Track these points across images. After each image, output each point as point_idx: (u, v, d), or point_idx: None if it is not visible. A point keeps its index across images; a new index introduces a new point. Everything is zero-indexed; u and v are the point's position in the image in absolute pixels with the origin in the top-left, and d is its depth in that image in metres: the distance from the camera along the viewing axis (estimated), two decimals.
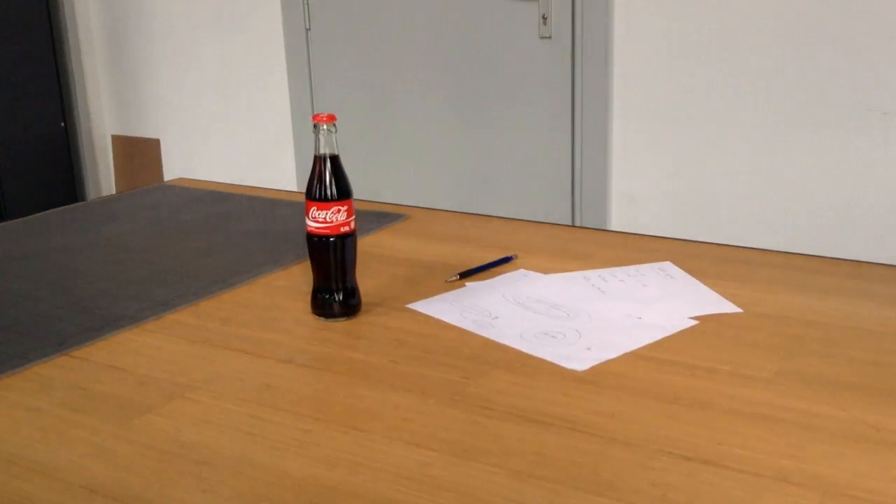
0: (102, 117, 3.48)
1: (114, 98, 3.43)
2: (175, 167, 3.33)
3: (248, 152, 3.16)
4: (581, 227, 1.34)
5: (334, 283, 1.02)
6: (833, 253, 2.07)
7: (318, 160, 1.00)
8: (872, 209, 2.18)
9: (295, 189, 2.94)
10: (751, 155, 2.29)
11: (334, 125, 0.99)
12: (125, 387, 0.88)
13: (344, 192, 1.00)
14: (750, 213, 2.33)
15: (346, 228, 1.01)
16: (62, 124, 3.38)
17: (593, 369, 0.89)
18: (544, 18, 2.49)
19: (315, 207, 0.99)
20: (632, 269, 1.16)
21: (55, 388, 0.89)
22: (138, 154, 3.43)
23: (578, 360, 0.91)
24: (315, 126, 0.99)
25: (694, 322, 0.99)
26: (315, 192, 0.99)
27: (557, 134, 2.55)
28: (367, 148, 2.88)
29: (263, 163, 3.12)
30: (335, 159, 1.00)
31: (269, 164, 3.11)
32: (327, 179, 0.99)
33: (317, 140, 0.99)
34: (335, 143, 1.00)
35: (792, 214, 2.27)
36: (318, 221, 1.00)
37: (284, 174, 3.07)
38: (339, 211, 1.00)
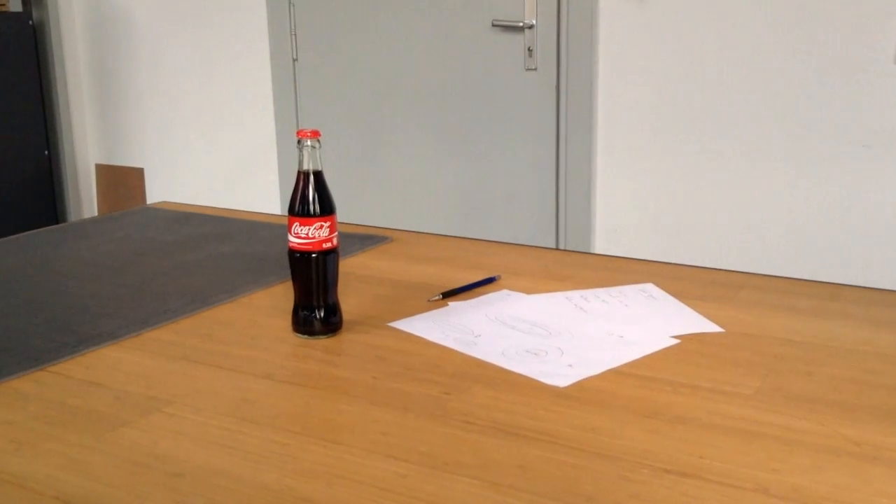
0: (86, 146, 3.48)
1: (98, 127, 3.43)
2: (159, 196, 3.32)
3: (233, 182, 3.16)
4: (564, 251, 1.34)
5: (316, 300, 1.02)
6: (814, 279, 2.08)
7: (302, 176, 0.99)
8: (852, 237, 2.20)
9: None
10: (734, 186, 2.31)
11: (318, 141, 0.99)
12: (101, 401, 0.87)
13: (327, 208, 1.00)
14: (733, 244, 2.34)
15: (329, 245, 1.00)
16: (46, 153, 3.37)
17: (575, 385, 0.88)
18: (530, 51, 2.52)
19: (297, 223, 0.99)
20: (614, 290, 1.16)
21: (30, 401, 0.87)
22: (122, 183, 3.43)
23: (560, 376, 0.90)
24: (299, 141, 0.99)
25: (675, 341, 0.99)
26: (298, 208, 0.99)
27: (542, 164, 2.56)
28: (353, 176, 2.89)
29: (248, 193, 3.12)
30: (318, 175, 1.00)
31: (254, 194, 3.11)
32: (310, 195, 0.99)
33: (300, 156, 0.99)
34: (319, 159, 1.00)
35: (775, 247, 2.29)
36: (300, 237, 0.99)
37: (269, 204, 3.07)
38: (321, 227, 0.99)
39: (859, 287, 1.17)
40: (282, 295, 1.16)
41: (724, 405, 0.83)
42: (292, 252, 1.01)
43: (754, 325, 1.04)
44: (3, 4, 3.28)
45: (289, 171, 2.99)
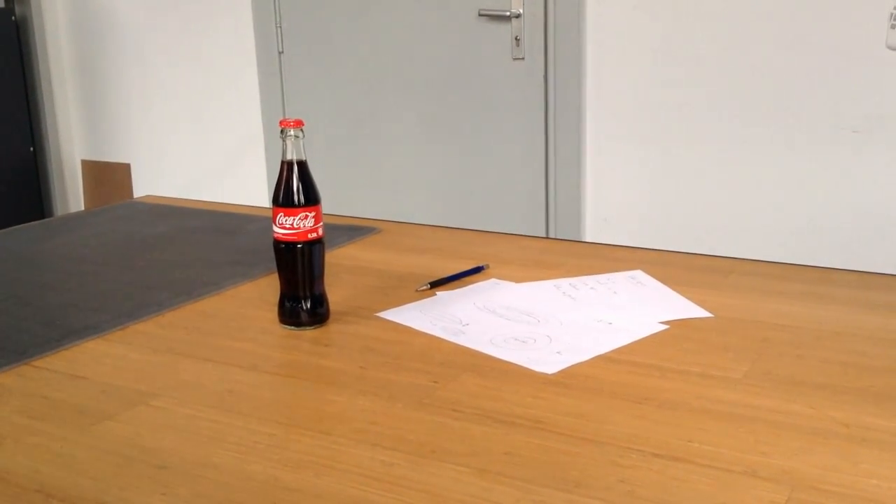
0: (72, 142, 3.46)
1: (84, 123, 3.41)
2: (146, 192, 3.30)
3: (221, 177, 3.14)
4: (552, 239, 1.34)
5: (302, 290, 1.01)
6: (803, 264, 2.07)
7: (286, 166, 0.99)
8: (841, 222, 2.20)
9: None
10: (723, 173, 2.31)
11: (301, 130, 0.98)
12: (86, 395, 0.86)
13: (311, 198, 0.99)
14: (724, 231, 2.34)
15: (314, 235, 1.00)
16: (31, 149, 3.35)
17: (563, 372, 0.88)
18: (517, 40, 2.51)
19: (282, 213, 0.98)
20: (602, 277, 1.15)
21: (13, 395, 0.86)
22: (108, 179, 3.41)
23: (548, 363, 0.90)
24: (282, 131, 0.98)
25: (664, 326, 0.99)
26: (282, 198, 0.98)
27: (531, 154, 2.56)
28: (341, 168, 2.88)
29: (236, 187, 3.11)
30: (302, 165, 0.99)
31: (242, 188, 3.09)
32: (294, 185, 0.98)
33: (284, 145, 0.98)
34: (302, 149, 0.99)
35: (765, 234, 2.29)
36: (285, 228, 0.99)
37: (257, 198, 3.05)
38: (306, 217, 0.98)
39: (848, 270, 1.16)
40: (268, 287, 1.15)
41: (713, 389, 0.83)
42: (277, 242, 1.00)
43: (743, 309, 1.03)
44: None
45: (276, 165, 2.97)
